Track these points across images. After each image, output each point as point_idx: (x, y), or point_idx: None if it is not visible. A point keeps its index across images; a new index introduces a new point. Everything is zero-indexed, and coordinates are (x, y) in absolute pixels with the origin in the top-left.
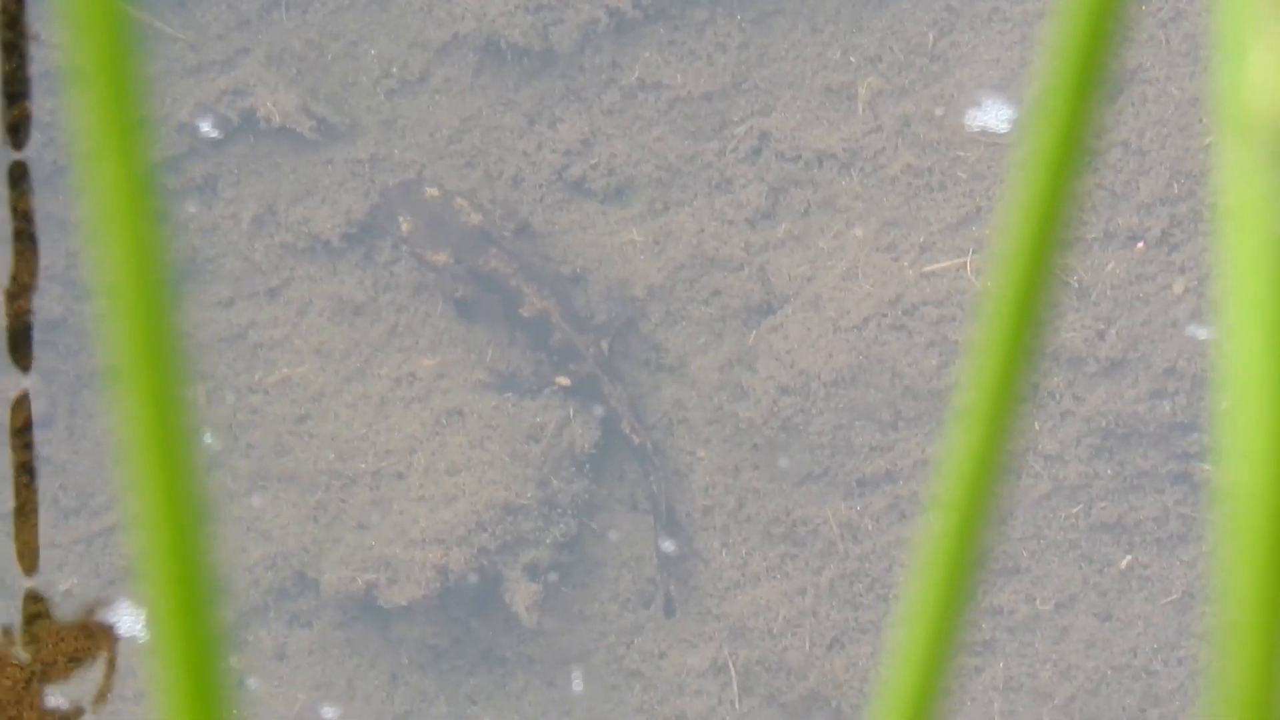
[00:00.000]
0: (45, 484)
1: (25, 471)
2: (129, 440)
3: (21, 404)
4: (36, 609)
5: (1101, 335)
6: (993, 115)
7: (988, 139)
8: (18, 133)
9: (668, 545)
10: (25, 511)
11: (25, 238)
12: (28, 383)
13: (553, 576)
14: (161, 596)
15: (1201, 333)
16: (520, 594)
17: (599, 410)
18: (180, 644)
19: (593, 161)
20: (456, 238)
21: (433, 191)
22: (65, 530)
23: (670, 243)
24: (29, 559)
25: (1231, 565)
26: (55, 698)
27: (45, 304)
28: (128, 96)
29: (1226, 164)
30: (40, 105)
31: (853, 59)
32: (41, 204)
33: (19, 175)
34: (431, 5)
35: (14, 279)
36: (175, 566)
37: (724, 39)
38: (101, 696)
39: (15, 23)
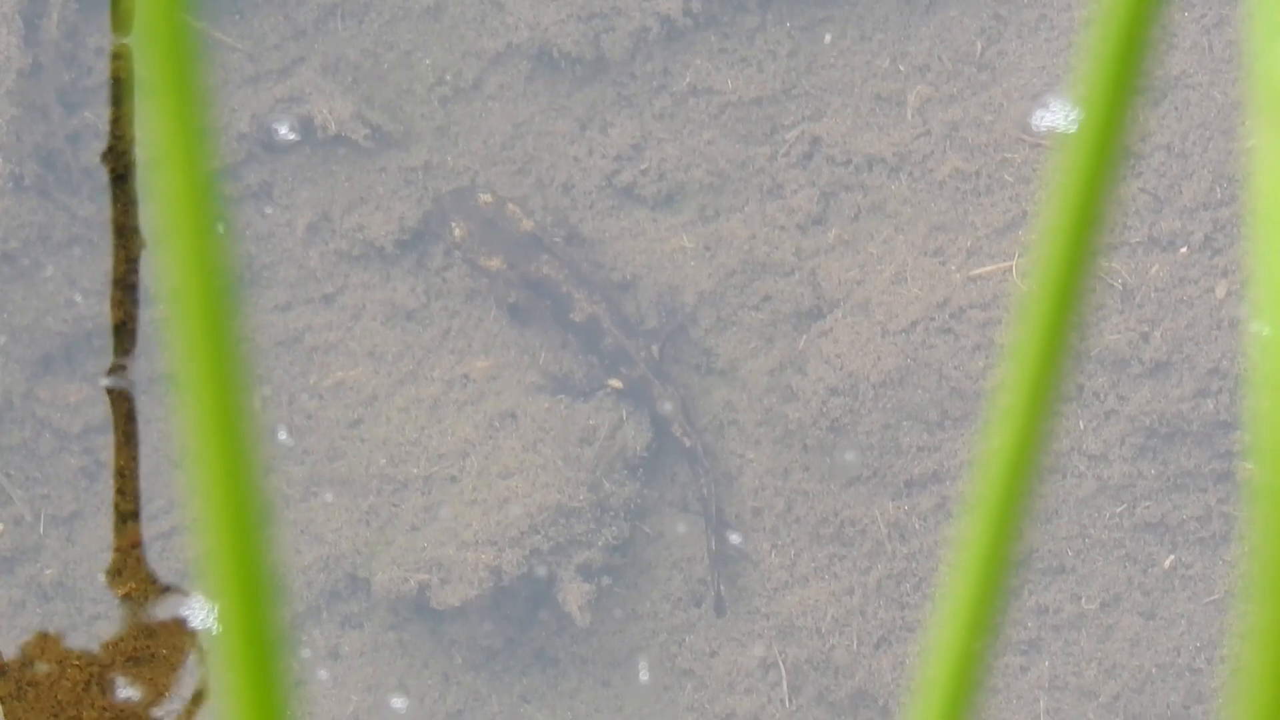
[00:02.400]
0: (104, 488)
1: (120, 474)
2: (193, 442)
3: (120, 400)
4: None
5: (1145, 337)
6: (1040, 120)
7: (1035, 143)
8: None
9: (733, 538)
10: (122, 513)
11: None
12: (107, 382)
13: (605, 578)
14: (224, 594)
15: (1247, 332)
16: (573, 594)
17: (650, 413)
18: (243, 640)
19: (643, 167)
20: (509, 244)
21: (486, 198)
22: (124, 533)
23: (721, 248)
24: (122, 556)
25: (1262, 563)
26: (125, 691)
27: (106, 309)
28: (191, 104)
29: (1260, 146)
30: (100, 115)
31: (902, 67)
32: (101, 211)
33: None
34: (485, 15)
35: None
36: (238, 564)
37: (774, 46)
38: (198, 695)
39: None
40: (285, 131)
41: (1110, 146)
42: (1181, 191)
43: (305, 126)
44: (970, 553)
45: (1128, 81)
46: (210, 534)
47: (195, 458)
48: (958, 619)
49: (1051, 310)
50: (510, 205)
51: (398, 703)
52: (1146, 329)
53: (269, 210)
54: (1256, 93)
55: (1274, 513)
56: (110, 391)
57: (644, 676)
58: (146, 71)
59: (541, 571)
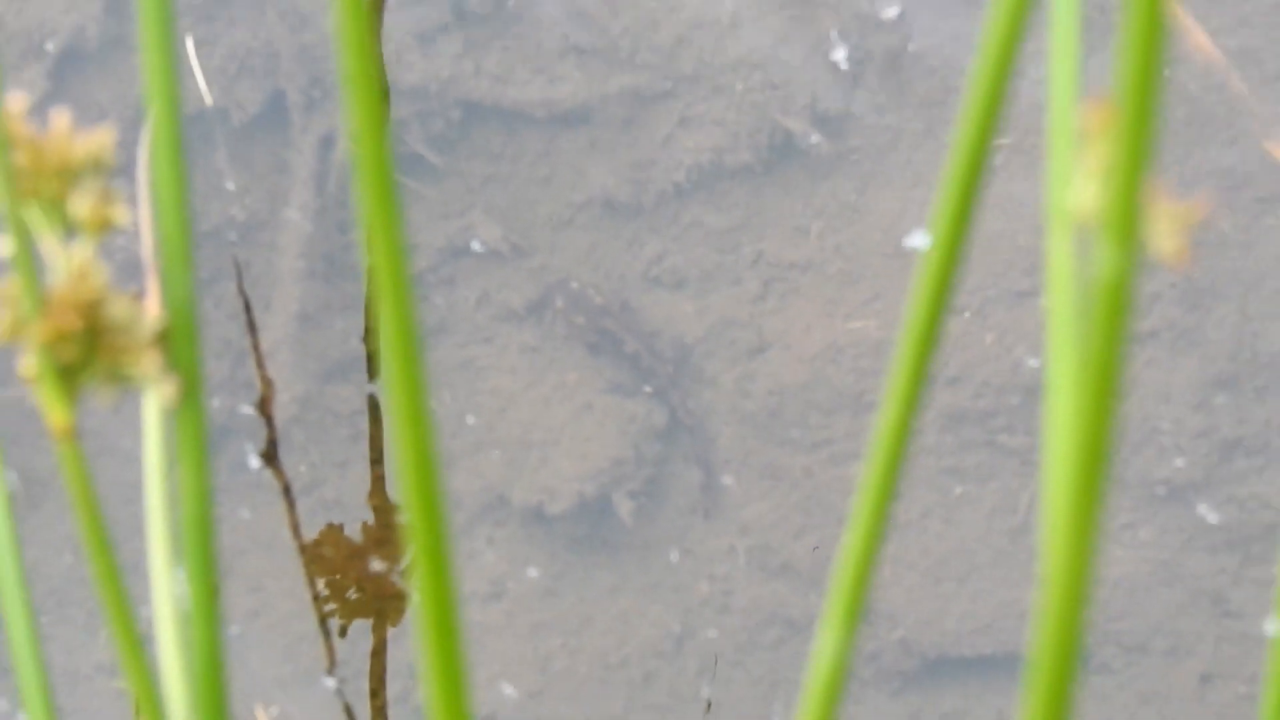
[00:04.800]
0: (362, 447)
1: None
2: (394, 423)
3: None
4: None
5: (946, 364)
6: (901, 240)
7: (896, 255)
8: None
9: (718, 478)
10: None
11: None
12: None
13: (643, 499)
14: (412, 507)
15: (1010, 362)
16: (625, 508)
17: (668, 406)
18: (424, 533)
19: (664, 267)
20: (588, 309)
21: (575, 284)
22: (374, 472)
23: (707, 313)
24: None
25: (1050, 503)
26: (374, 562)
27: (354, 343)
28: (396, 230)
29: (1052, 247)
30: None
31: (808, 211)
32: (361, 291)
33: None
34: (575, 181)
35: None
36: (421, 489)
37: (736, 199)
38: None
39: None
40: (466, 247)
41: (950, 258)
42: (966, 279)
43: (476, 242)
44: (865, 487)
45: (964, 214)
46: (403, 471)
47: (396, 429)
48: (856, 524)
49: (912, 353)
50: (589, 288)
51: (531, 571)
52: (948, 360)
53: (456, 292)
54: (1050, 217)
55: (1054, 466)
56: (370, 395)
57: (671, 556)
58: (366, 211)
59: (607, 495)
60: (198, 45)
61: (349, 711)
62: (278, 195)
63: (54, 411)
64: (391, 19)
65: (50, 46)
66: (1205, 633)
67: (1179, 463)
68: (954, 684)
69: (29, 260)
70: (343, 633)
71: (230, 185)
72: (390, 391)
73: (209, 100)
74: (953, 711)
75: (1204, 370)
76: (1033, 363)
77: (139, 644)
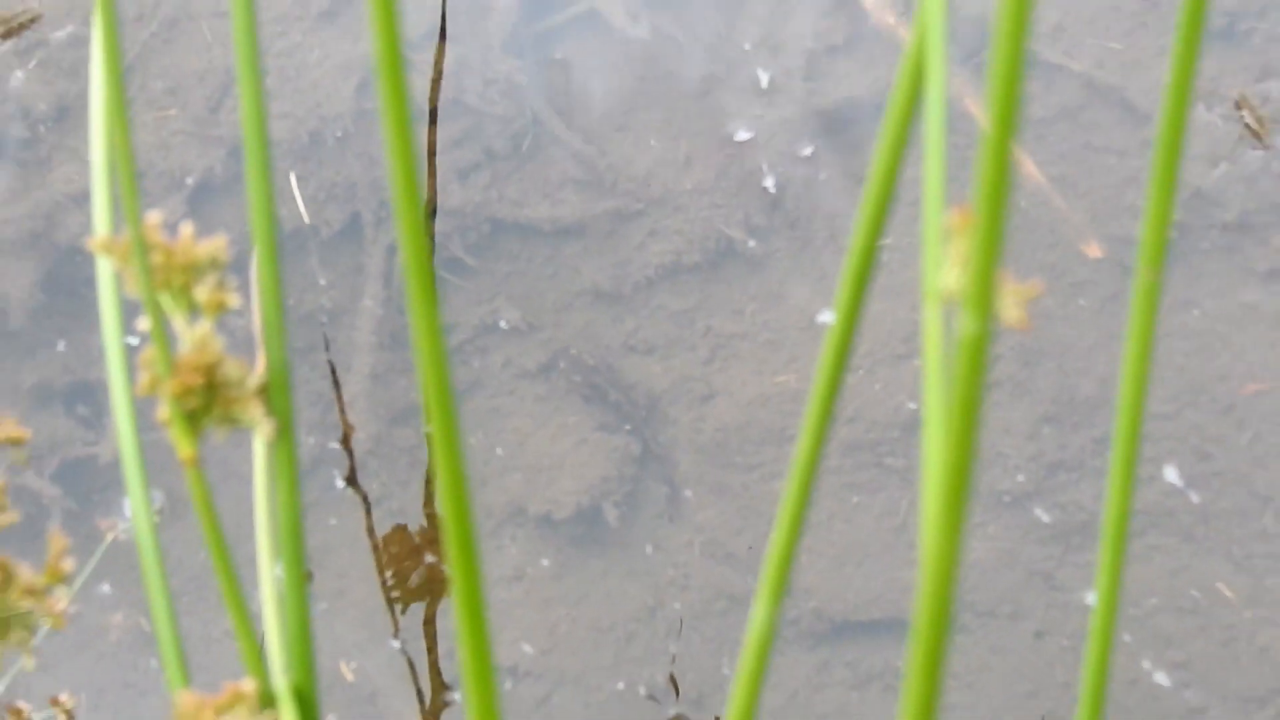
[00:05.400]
0: (419, 471)
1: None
2: (437, 453)
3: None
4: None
5: (846, 409)
6: (812, 317)
7: (810, 327)
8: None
9: (682, 492)
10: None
11: None
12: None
13: (624, 508)
14: (449, 516)
15: (892, 405)
16: (611, 515)
17: (642, 440)
18: (457, 531)
19: (638, 339)
20: (582, 369)
21: (574, 351)
22: (426, 488)
23: (670, 372)
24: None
25: (928, 508)
26: (428, 556)
27: (413, 396)
28: (435, 314)
29: (926, 317)
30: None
31: (744, 297)
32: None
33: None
34: (574, 276)
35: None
36: (456, 503)
37: (691, 288)
38: None
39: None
40: (494, 325)
41: (848, 330)
42: (859, 345)
43: (502, 321)
44: (787, 497)
45: (858, 298)
46: (443, 489)
47: (438, 458)
48: (780, 524)
49: (820, 399)
50: (584, 355)
51: (544, 561)
52: (847, 404)
53: (487, 358)
54: (924, 295)
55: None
56: (426, 434)
57: (646, 550)
58: (414, 299)
59: (598, 505)
60: (299, 179)
61: (411, 665)
62: (356, 289)
63: (182, 446)
64: (440, 159)
65: (189, 180)
66: (1038, 602)
67: (1019, 478)
68: (854, 642)
69: (163, 334)
70: (404, 608)
71: (321, 281)
72: (434, 431)
73: (306, 219)
74: (853, 660)
75: (1034, 410)
76: (910, 405)
77: (249, 617)
